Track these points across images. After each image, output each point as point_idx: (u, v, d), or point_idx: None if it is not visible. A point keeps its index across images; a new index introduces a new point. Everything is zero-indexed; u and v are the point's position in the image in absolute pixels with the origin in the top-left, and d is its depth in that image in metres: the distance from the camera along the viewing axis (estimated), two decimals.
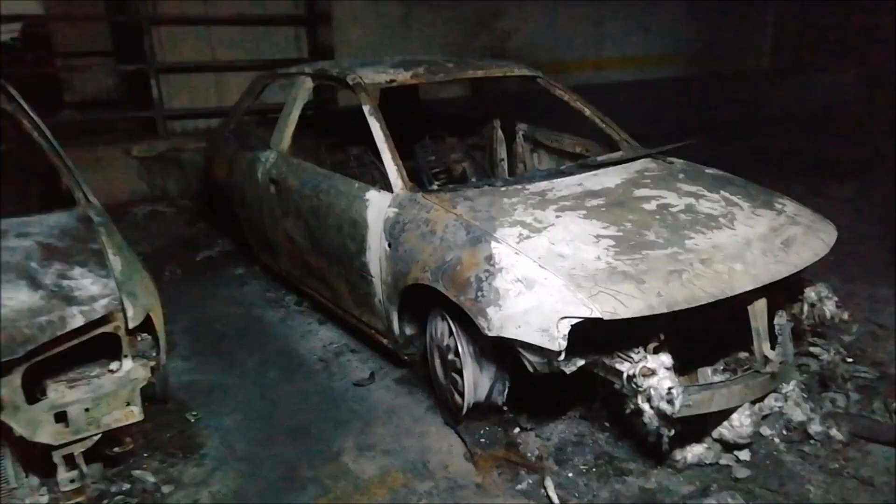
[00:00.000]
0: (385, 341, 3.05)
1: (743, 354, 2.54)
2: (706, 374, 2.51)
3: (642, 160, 3.24)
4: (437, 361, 2.75)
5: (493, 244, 2.37)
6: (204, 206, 5.49)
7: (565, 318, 2.10)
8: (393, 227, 2.76)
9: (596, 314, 2.09)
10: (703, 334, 2.49)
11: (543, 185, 2.88)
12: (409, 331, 2.93)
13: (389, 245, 2.75)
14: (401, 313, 2.85)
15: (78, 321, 2.00)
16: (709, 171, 3.20)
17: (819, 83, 10.02)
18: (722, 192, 2.87)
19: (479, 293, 2.29)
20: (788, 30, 10.45)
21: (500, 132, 4.51)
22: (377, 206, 2.89)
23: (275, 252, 3.88)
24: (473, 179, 3.40)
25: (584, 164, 3.19)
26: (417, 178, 4.31)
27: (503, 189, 2.82)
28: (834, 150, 7.49)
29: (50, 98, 7.71)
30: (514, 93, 4.68)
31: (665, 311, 2.14)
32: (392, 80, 3.36)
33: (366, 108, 3.15)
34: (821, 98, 9.70)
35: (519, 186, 2.85)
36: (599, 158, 3.30)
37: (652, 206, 2.68)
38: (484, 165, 4.62)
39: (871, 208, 5.28)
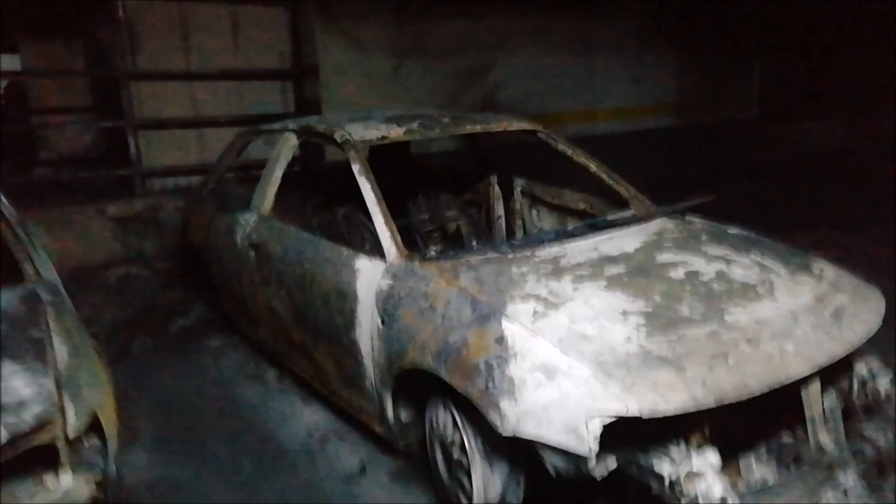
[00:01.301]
0: (377, 428, 2.68)
1: (787, 438, 2.21)
2: (750, 465, 2.16)
3: (658, 219, 2.95)
4: (440, 456, 2.38)
5: (505, 323, 2.04)
6: (181, 269, 5.14)
7: (596, 415, 1.76)
8: (387, 301, 2.43)
9: (633, 412, 1.75)
10: (741, 413, 2.15)
11: (555, 250, 2.57)
12: (405, 417, 2.57)
13: (383, 321, 2.42)
14: (395, 398, 2.49)
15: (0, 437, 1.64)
16: (731, 230, 2.92)
17: (807, 130, 9.98)
18: (752, 255, 2.58)
19: (490, 383, 1.94)
20: (775, 78, 10.46)
21: (496, 188, 4.23)
22: (368, 277, 2.56)
23: (254, 322, 3.53)
24: (473, 242, 3.11)
25: (595, 225, 2.90)
26: (411, 239, 4.02)
27: (510, 256, 2.50)
28: (831, 197, 7.28)
29: (25, 156, 7.43)
30: (511, 146, 4.42)
31: (713, 405, 1.81)
32: (384, 137, 3.09)
33: (355, 168, 2.86)
34: (810, 145, 9.61)
35: (528, 253, 2.54)
36: (611, 217, 3.02)
37: (679, 273, 2.38)
38: (480, 223, 4.33)
39: (890, 260, 5.00)
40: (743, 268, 2.46)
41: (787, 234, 3.55)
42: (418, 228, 4.13)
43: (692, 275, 2.38)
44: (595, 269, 2.40)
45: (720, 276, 2.38)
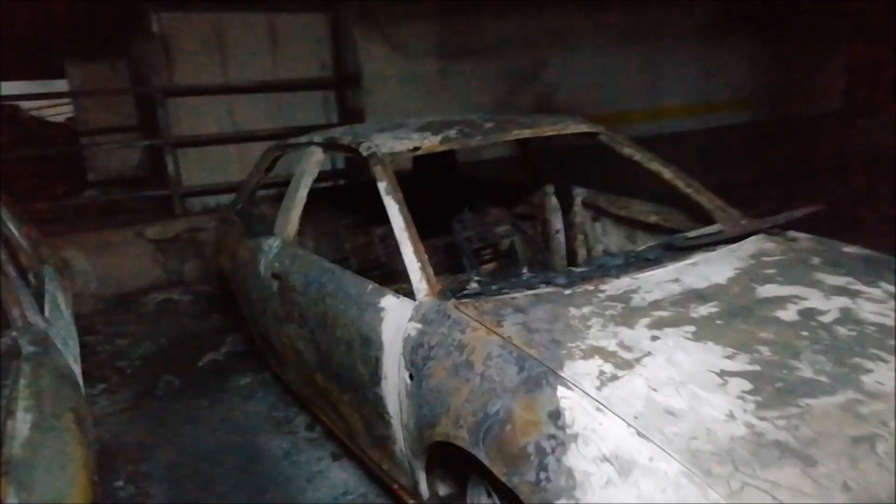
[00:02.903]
0: (410, 502, 2.23)
1: None
2: None
3: (753, 238, 2.39)
4: None
5: (562, 391, 1.55)
6: (218, 295, 4.85)
7: None
8: (415, 352, 1.97)
9: None
10: None
11: (625, 281, 2.06)
12: (443, 491, 2.11)
13: (411, 376, 1.97)
14: (430, 470, 2.03)
15: None
16: (848, 249, 2.33)
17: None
18: (882, 284, 2.00)
19: (543, 475, 1.46)
20: (862, 70, 9.50)
21: (553, 199, 3.72)
22: (395, 319, 2.11)
23: (281, 362, 3.14)
24: (523, 270, 2.65)
25: (673, 245, 2.37)
26: (457, 262, 3.57)
27: (567, 292, 2.01)
28: None
29: (73, 177, 7.38)
30: (569, 152, 3.91)
31: None
32: (416, 148, 2.64)
33: (381, 185, 2.43)
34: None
35: (590, 287, 2.03)
36: (692, 235, 2.48)
37: (791, 314, 1.83)
38: (536, 239, 3.83)
39: None
40: (874, 303, 1.89)
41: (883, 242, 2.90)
42: (464, 247, 3.66)
43: (808, 315, 1.82)
44: (679, 309, 1.87)
45: (847, 315, 1.82)
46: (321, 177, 3.14)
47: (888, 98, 9.23)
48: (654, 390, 1.53)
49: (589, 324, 1.81)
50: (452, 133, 2.74)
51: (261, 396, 3.42)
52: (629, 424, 1.43)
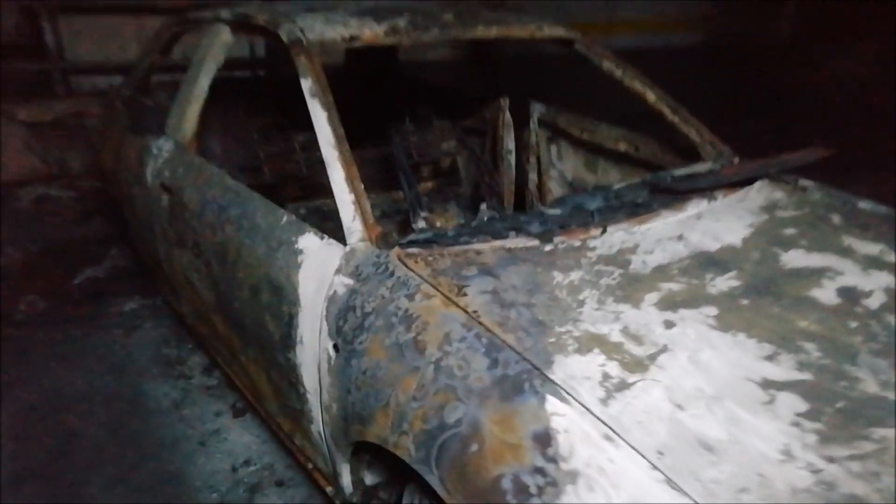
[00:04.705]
0: (328, 489, 1.79)
1: None
2: None
3: (758, 185, 1.97)
4: None
5: (553, 403, 1.10)
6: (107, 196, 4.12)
7: None
8: (342, 316, 1.47)
9: None
10: None
11: (618, 237, 1.60)
12: (370, 480, 1.67)
13: (336, 348, 1.47)
14: (355, 458, 1.58)
15: None
16: (863, 204, 1.96)
17: (845, 58, 8.79)
18: None
19: None
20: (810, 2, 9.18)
21: (507, 114, 3.20)
22: (317, 268, 1.59)
23: (174, 290, 2.57)
24: (483, 207, 2.13)
25: (659, 186, 1.93)
26: (387, 179, 3.04)
27: (548, 248, 1.53)
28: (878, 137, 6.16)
29: None
30: (534, 61, 3.35)
31: None
32: (353, 38, 2.02)
33: (305, 84, 1.83)
34: (841, 73, 8.42)
35: (575, 242, 1.56)
36: (679, 173, 2.04)
37: (829, 294, 1.44)
38: (483, 158, 3.32)
39: None
40: None
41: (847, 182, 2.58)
42: (403, 164, 3.10)
43: (850, 296, 1.43)
44: (692, 280, 1.44)
45: (892, 294, 1.44)
46: (235, 64, 2.48)
47: (831, 32, 8.99)
48: (681, 408, 1.10)
49: (581, 297, 1.35)
50: (402, 22, 2.13)
51: (148, 328, 2.84)
52: (653, 465, 1.00)
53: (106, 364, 2.58)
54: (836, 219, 1.81)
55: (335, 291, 1.51)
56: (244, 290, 1.83)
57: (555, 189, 3.20)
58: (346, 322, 1.45)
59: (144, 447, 2.15)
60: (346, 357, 1.43)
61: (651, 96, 2.41)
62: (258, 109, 3.20)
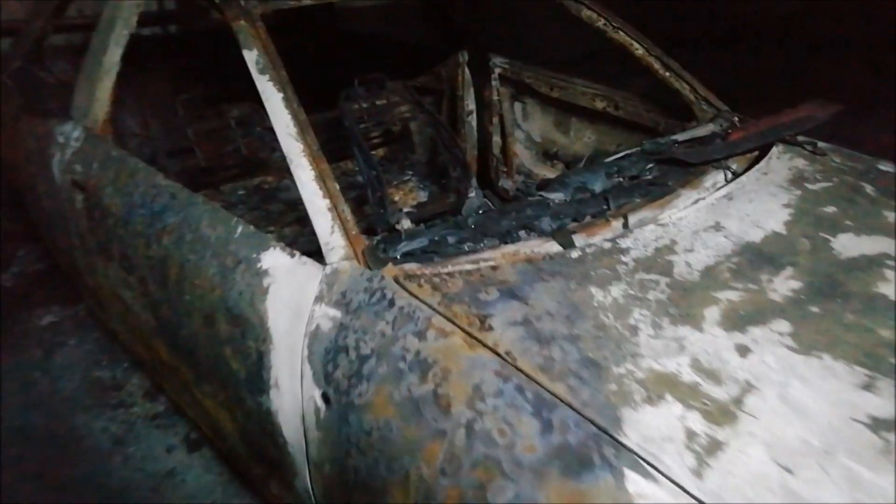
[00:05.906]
0: None
1: None
2: None
3: (775, 152, 1.75)
4: None
5: (635, 481, 0.86)
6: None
7: None
8: (332, 358, 1.17)
9: None
10: None
11: (649, 233, 1.35)
12: None
13: (326, 398, 1.18)
14: None
15: None
16: (885, 166, 1.78)
17: None
18: None
19: None
20: None
21: (467, 71, 2.89)
22: (291, 294, 1.28)
23: (100, 303, 2.18)
24: (471, 193, 1.82)
25: (660, 155, 1.70)
26: (335, 148, 2.67)
27: (575, 255, 1.27)
28: (808, 71, 5.98)
29: None
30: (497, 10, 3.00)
31: None
32: None
33: (250, 57, 1.47)
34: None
35: (605, 244, 1.30)
36: (681, 138, 1.82)
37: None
38: (441, 121, 3.00)
39: None
40: None
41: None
42: (356, 133, 2.72)
43: None
44: (748, 284, 1.22)
45: None
46: (142, 20, 2.06)
47: None
48: (790, 471, 0.88)
49: (632, 322, 1.10)
50: None
51: (73, 345, 2.44)
52: None
53: (25, 394, 2.19)
54: (868, 188, 1.61)
55: (318, 326, 1.21)
56: (194, 317, 1.50)
57: (521, 153, 2.94)
58: (336, 367, 1.16)
59: (86, 500, 1.81)
60: (340, 412, 1.14)
61: (638, 49, 2.14)
62: (179, 77, 2.77)
